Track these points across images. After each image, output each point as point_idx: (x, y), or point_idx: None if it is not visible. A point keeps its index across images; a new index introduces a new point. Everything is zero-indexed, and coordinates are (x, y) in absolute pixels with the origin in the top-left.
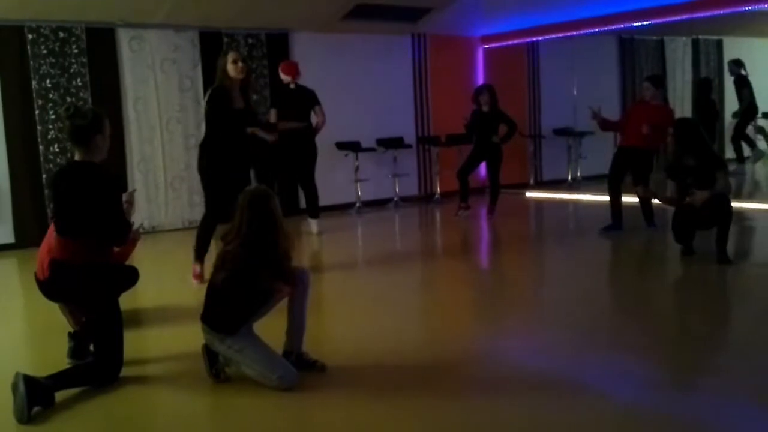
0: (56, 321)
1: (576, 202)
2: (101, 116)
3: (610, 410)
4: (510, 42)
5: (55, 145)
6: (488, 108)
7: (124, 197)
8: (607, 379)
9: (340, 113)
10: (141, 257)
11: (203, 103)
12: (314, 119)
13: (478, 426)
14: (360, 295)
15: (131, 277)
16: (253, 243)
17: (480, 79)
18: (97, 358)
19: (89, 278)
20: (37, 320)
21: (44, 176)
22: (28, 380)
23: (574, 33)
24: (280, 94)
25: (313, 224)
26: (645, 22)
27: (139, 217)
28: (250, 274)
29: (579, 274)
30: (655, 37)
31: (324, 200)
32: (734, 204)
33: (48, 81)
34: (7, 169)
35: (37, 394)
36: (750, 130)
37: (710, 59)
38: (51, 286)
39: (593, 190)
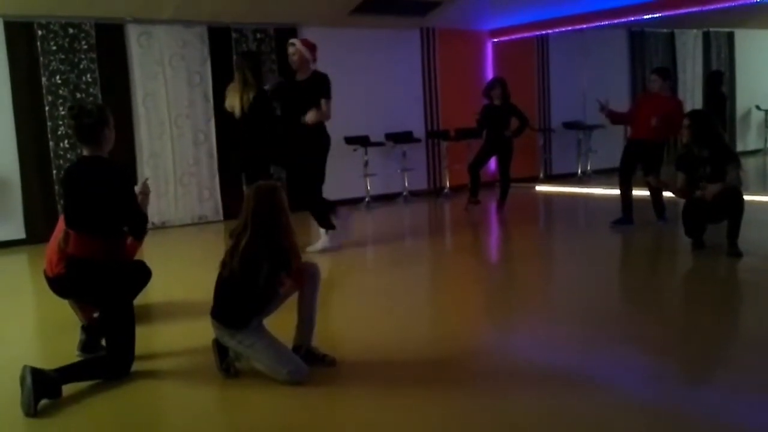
0: (66, 316)
1: (586, 196)
2: (104, 109)
3: (621, 403)
4: (519, 35)
5: (65, 141)
6: (500, 102)
7: (138, 188)
8: (617, 372)
9: (348, 108)
10: (151, 253)
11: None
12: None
13: (487, 420)
14: (369, 289)
15: (146, 273)
16: (260, 236)
17: (489, 73)
18: (110, 352)
19: (109, 276)
20: (48, 315)
21: (54, 172)
22: (35, 373)
23: (584, 26)
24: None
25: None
26: (655, 15)
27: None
28: (258, 268)
29: (589, 267)
30: (665, 30)
31: (333, 195)
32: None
33: (58, 77)
34: (17, 165)
35: (43, 387)
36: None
37: (721, 51)
38: (65, 283)
39: (603, 184)
